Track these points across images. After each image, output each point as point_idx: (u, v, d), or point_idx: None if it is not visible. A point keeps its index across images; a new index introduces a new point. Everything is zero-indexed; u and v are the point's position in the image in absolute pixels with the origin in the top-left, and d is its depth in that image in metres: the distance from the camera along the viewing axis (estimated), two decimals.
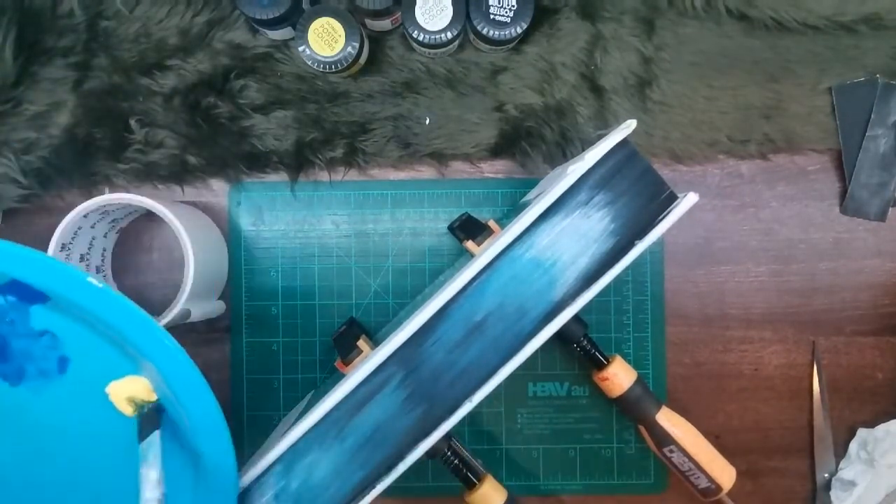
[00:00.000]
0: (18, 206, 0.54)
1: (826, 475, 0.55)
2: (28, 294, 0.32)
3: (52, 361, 0.34)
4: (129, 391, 0.33)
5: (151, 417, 0.33)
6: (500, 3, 0.50)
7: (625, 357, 0.52)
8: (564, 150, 0.55)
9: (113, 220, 0.54)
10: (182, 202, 0.56)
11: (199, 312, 0.51)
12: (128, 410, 0.33)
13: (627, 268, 0.39)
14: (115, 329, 0.30)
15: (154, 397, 0.32)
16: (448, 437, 0.46)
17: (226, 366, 0.57)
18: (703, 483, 0.50)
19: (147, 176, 0.55)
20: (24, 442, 0.34)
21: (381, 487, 0.39)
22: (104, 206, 0.49)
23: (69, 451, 0.34)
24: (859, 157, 0.55)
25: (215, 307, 0.55)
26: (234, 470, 0.31)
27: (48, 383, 0.34)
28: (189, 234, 0.49)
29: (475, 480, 0.48)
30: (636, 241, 0.38)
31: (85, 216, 0.50)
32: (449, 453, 0.47)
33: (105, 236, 0.54)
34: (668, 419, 0.51)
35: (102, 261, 0.55)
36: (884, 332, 0.56)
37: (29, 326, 0.34)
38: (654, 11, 0.54)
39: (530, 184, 0.56)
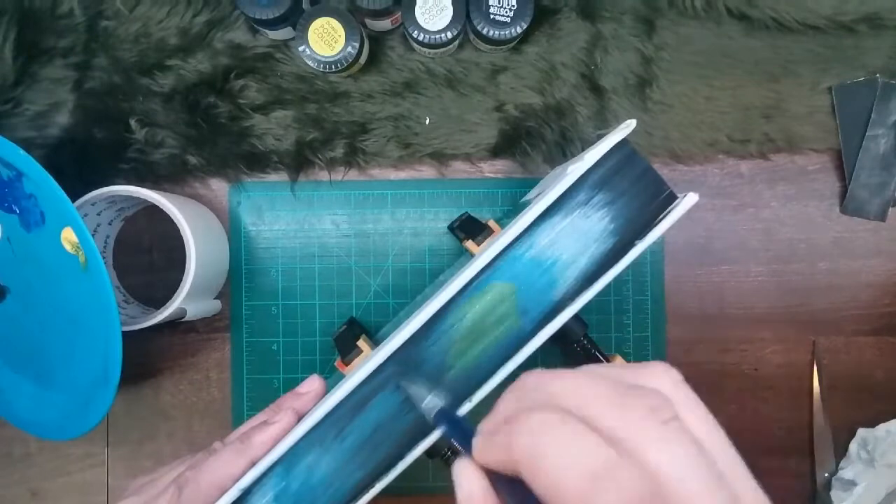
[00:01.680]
0: None
1: (826, 475, 0.55)
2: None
3: (36, 215, 0.47)
4: (67, 237, 0.46)
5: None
6: (500, 3, 0.50)
7: (625, 357, 0.52)
8: (564, 150, 0.55)
9: (120, 209, 0.54)
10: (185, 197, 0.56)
11: (195, 310, 0.52)
12: (69, 248, 0.46)
13: (627, 268, 0.39)
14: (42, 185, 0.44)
15: (76, 239, 0.45)
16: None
17: (226, 366, 0.57)
18: None
19: (147, 176, 0.55)
20: (34, 267, 0.49)
21: (380, 487, 0.39)
22: (111, 195, 0.50)
23: (52, 272, 0.48)
24: (859, 157, 0.55)
25: (212, 306, 0.55)
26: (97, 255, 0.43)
27: (39, 229, 0.47)
28: (191, 227, 0.50)
29: None
30: (636, 241, 0.38)
31: (92, 204, 0.51)
32: (449, 453, 0.47)
33: (110, 223, 0.56)
34: None
35: (105, 247, 0.56)
36: (884, 332, 0.56)
37: (23, 191, 0.47)
38: (654, 11, 0.54)
39: (530, 184, 0.56)
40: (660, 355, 0.56)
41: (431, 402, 0.37)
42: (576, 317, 0.39)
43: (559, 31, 0.54)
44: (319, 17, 0.50)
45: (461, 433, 0.31)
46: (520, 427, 0.25)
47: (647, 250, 0.40)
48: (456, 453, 0.47)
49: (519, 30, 0.50)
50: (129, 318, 0.51)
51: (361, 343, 0.47)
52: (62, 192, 0.43)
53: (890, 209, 0.55)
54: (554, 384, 0.26)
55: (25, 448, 0.57)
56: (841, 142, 0.55)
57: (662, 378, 0.26)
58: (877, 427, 0.54)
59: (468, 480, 0.27)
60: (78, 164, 0.54)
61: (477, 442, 0.27)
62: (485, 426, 0.28)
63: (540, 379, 0.27)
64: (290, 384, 0.55)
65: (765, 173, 0.56)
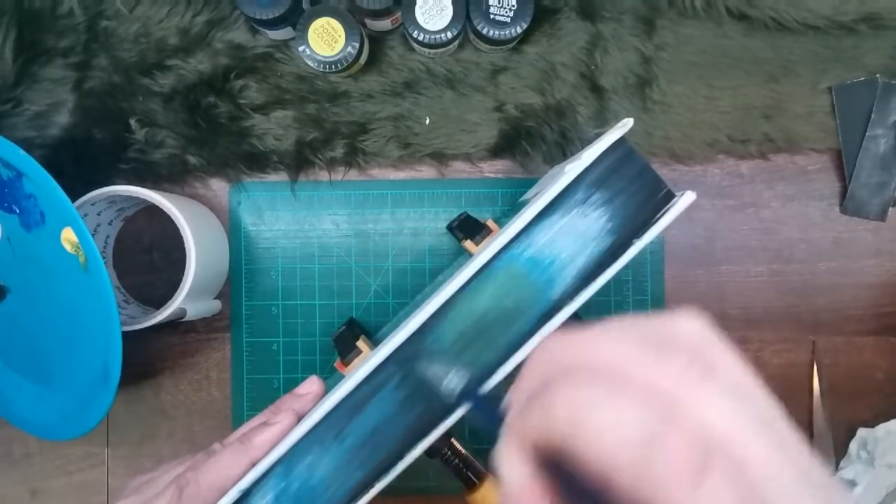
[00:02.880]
0: None
1: None
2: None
3: (36, 215, 0.47)
4: (67, 237, 0.46)
5: None
6: (500, 3, 0.50)
7: None
8: (564, 150, 0.55)
9: (120, 209, 0.55)
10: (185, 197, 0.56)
11: (195, 310, 0.52)
12: (69, 248, 0.47)
13: (627, 267, 0.39)
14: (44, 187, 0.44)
15: (76, 239, 0.46)
16: (448, 436, 0.46)
17: (226, 366, 0.57)
18: None
19: (147, 176, 0.55)
20: (34, 267, 0.49)
21: (380, 487, 0.39)
22: (111, 195, 0.50)
23: (52, 272, 0.48)
24: (859, 157, 0.55)
25: (212, 306, 0.55)
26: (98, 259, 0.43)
27: (39, 229, 0.48)
28: (191, 227, 0.50)
29: (475, 480, 0.48)
30: (634, 240, 0.38)
31: (92, 204, 0.51)
32: (449, 453, 0.47)
33: (110, 223, 0.56)
34: None
35: (105, 247, 0.56)
36: (884, 332, 0.56)
37: (23, 191, 0.47)
38: (654, 11, 0.54)
39: (530, 183, 0.56)
40: None
41: (452, 381, 0.36)
42: (575, 316, 0.39)
43: (559, 31, 0.54)
44: (319, 17, 0.50)
45: (489, 411, 0.29)
46: (556, 398, 0.23)
47: (646, 250, 0.40)
48: (456, 453, 0.47)
49: (519, 30, 0.50)
50: (129, 318, 0.51)
51: (361, 343, 0.47)
52: (62, 192, 0.43)
53: (890, 209, 0.55)
54: (584, 346, 0.24)
55: (25, 448, 0.57)
56: (841, 142, 0.55)
57: (692, 324, 0.24)
58: (877, 427, 0.54)
59: (510, 467, 0.25)
60: (78, 164, 0.54)
61: (510, 420, 0.25)
62: (514, 399, 0.26)
63: (568, 342, 0.25)
64: (290, 384, 0.55)
65: (765, 173, 0.56)
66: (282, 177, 0.57)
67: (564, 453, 0.22)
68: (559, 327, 0.34)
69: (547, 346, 0.25)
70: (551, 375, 0.24)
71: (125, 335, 0.44)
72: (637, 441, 0.21)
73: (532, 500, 0.24)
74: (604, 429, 0.21)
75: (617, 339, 0.24)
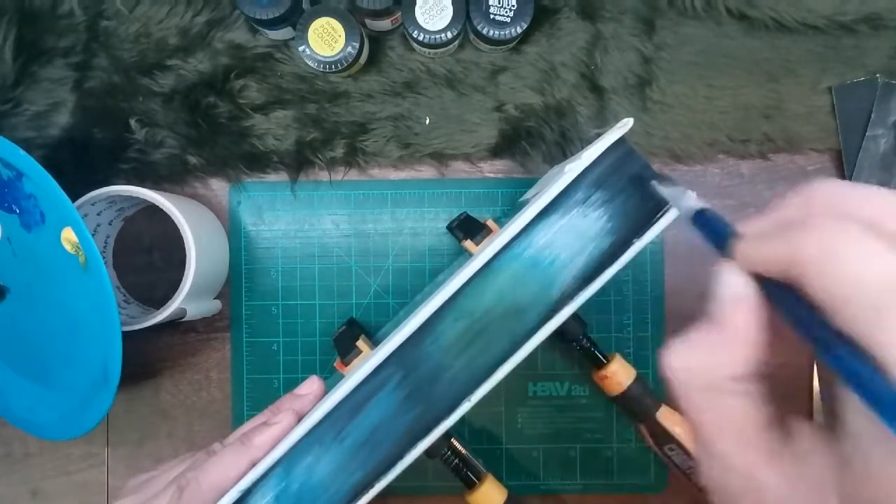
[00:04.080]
0: None
1: None
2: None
3: (36, 215, 0.47)
4: (67, 237, 0.47)
5: None
6: (500, 3, 0.50)
7: (625, 357, 0.52)
8: (564, 150, 0.55)
9: (120, 209, 0.55)
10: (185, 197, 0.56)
11: (195, 311, 0.52)
12: (69, 248, 0.47)
13: (627, 267, 0.39)
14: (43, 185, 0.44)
15: (76, 239, 0.46)
16: (448, 436, 0.46)
17: (226, 366, 0.57)
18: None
19: (147, 176, 0.55)
20: (34, 267, 0.49)
21: (380, 487, 0.39)
22: (111, 195, 0.50)
23: (52, 272, 0.48)
24: (859, 157, 0.55)
25: (212, 306, 0.55)
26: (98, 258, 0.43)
27: (39, 229, 0.48)
28: (191, 227, 0.50)
29: (475, 480, 0.48)
30: (634, 240, 0.38)
31: (92, 204, 0.51)
32: (449, 453, 0.47)
33: (110, 223, 0.56)
34: (668, 417, 0.50)
35: (105, 247, 0.56)
36: None
37: (23, 191, 0.47)
38: (654, 11, 0.54)
39: (530, 183, 0.56)
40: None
41: (690, 198, 0.34)
42: (575, 316, 0.40)
43: (559, 31, 0.54)
44: (319, 17, 0.50)
45: (717, 231, 0.28)
46: (811, 230, 0.21)
47: (646, 250, 0.40)
48: (456, 453, 0.47)
49: (519, 30, 0.50)
50: (129, 318, 0.51)
51: (360, 343, 0.47)
52: (62, 192, 0.43)
53: None
54: (853, 194, 0.22)
55: (25, 448, 0.57)
56: (841, 142, 0.55)
57: None
58: None
59: (734, 280, 0.24)
60: (78, 164, 0.54)
61: (744, 240, 0.24)
62: (752, 227, 0.25)
63: (835, 188, 0.23)
64: (290, 384, 0.55)
65: (765, 173, 0.56)
66: (282, 177, 0.57)
67: (798, 280, 0.21)
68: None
69: (815, 188, 0.24)
70: (812, 213, 0.23)
71: (125, 335, 0.44)
72: (887, 287, 0.19)
73: (744, 316, 0.24)
74: (857, 268, 0.20)
75: (891, 198, 0.22)
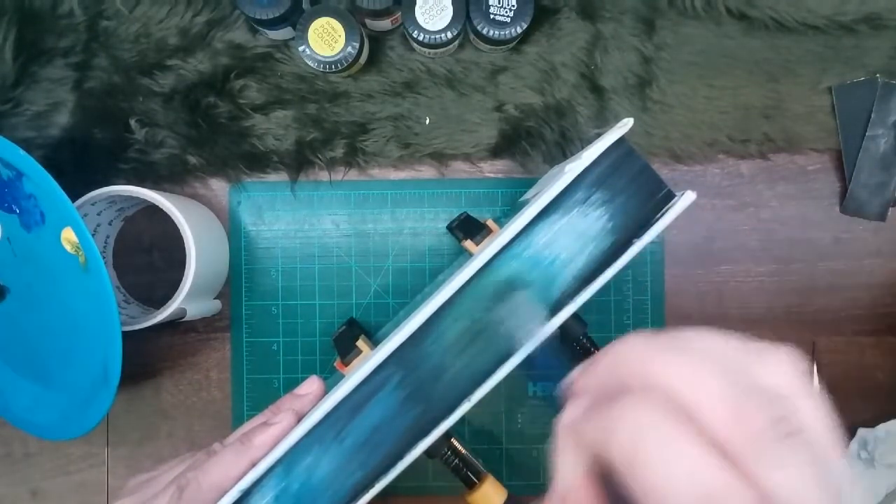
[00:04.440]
0: None
1: None
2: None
3: (36, 215, 0.47)
4: (67, 237, 0.47)
5: None
6: (500, 3, 0.50)
7: None
8: (564, 150, 0.55)
9: (120, 209, 0.55)
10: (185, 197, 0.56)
11: (195, 310, 0.52)
12: (69, 248, 0.47)
13: (627, 267, 0.39)
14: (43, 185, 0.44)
15: (76, 239, 0.46)
16: (448, 436, 0.46)
17: (226, 366, 0.57)
18: None
19: (147, 176, 0.55)
20: (34, 267, 0.49)
21: (380, 487, 0.39)
22: (111, 195, 0.50)
23: (52, 272, 0.49)
24: (859, 157, 0.55)
25: (212, 306, 0.55)
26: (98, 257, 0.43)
27: (39, 229, 0.48)
28: (191, 227, 0.50)
29: (475, 480, 0.48)
30: (634, 240, 0.38)
31: (92, 204, 0.51)
32: (449, 453, 0.47)
33: (110, 223, 0.56)
34: None
35: (105, 247, 0.56)
36: (884, 332, 0.56)
37: (23, 191, 0.47)
38: (654, 11, 0.54)
39: (530, 183, 0.56)
40: None
41: (532, 332, 0.35)
42: (575, 316, 0.39)
43: (559, 31, 0.54)
44: (319, 17, 0.50)
45: (553, 374, 0.29)
46: (623, 417, 0.22)
47: (646, 250, 0.40)
48: (456, 453, 0.47)
49: (519, 30, 0.50)
50: (129, 318, 0.51)
51: (360, 343, 0.47)
52: (62, 192, 0.43)
53: (890, 209, 0.55)
54: (662, 366, 0.23)
55: (25, 448, 0.57)
56: (841, 142, 0.55)
57: (787, 371, 0.23)
58: (877, 427, 0.54)
59: (564, 464, 0.24)
60: (78, 164, 0.54)
61: (571, 416, 0.24)
62: (580, 386, 0.25)
63: (646, 354, 0.23)
64: (290, 384, 0.55)
65: (765, 173, 0.56)
66: (282, 177, 0.57)
67: (616, 472, 0.22)
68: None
69: (627, 348, 0.24)
70: (626, 381, 0.23)
71: (125, 335, 0.44)
72: (699, 494, 0.20)
73: (580, 501, 0.24)
74: (666, 476, 0.20)
75: (701, 374, 0.22)
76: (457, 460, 0.47)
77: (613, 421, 0.22)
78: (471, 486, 0.48)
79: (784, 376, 0.23)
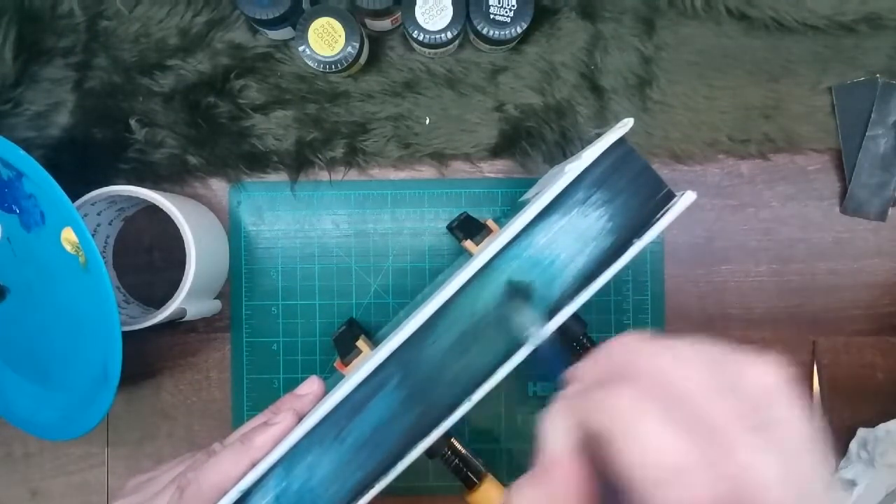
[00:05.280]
0: None
1: None
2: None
3: (36, 215, 0.47)
4: (67, 237, 0.47)
5: None
6: (500, 3, 0.50)
7: None
8: (564, 150, 0.55)
9: (120, 209, 0.55)
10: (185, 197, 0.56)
11: (195, 310, 0.52)
12: (69, 248, 0.47)
13: (627, 267, 0.39)
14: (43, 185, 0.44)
15: (76, 239, 0.46)
16: (448, 436, 0.46)
17: (226, 366, 0.57)
18: None
19: (147, 176, 0.55)
20: (34, 267, 0.49)
21: (380, 487, 0.39)
22: (111, 195, 0.50)
23: (52, 272, 0.49)
24: (859, 157, 0.55)
25: (212, 306, 0.55)
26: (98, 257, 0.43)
27: (39, 229, 0.48)
28: (191, 227, 0.50)
29: (475, 480, 0.48)
30: (634, 240, 0.38)
31: (92, 204, 0.51)
32: (449, 453, 0.47)
33: (110, 223, 0.56)
34: None
35: (105, 247, 0.56)
36: (884, 332, 0.56)
37: (23, 191, 0.47)
38: (654, 11, 0.54)
39: (530, 183, 0.56)
40: None
41: (532, 332, 0.36)
42: (575, 316, 0.39)
43: (559, 31, 0.54)
44: (319, 17, 0.50)
45: (553, 368, 0.31)
46: (613, 394, 0.24)
47: (646, 250, 0.40)
48: (456, 453, 0.47)
49: (519, 30, 0.50)
50: (129, 318, 0.51)
51: (360, 343, 0.47)
52: (62, 192, 0.43)
53: (890, 209, 0.55)
54: (653, 358, 0.25)
55: (25, 448, 0.57)
56: (841, 142, 0.55)
57: (766, 376, 0.25)
58: (877, 427, 0.54)
59: (554, 432, 0.26)
60: (78, 164, 0.54)
61: (568, 392, 0.26)
62: (580, 373, 0.27)
63: (638, 346, 0.26)
64: (290, 384, 0.55)
65: (765, 173, 0.56)
66: (282, 177, 0.57)
67: (600, 445, 0.23)
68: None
69: (619, 343, 0.26)
70: (619, 370, 0.25)
71: (125, 335, 0.44)
72: (670, 468, 0.21)
73: (565, 472, 0.25)
74: (643, 447, 0.22)
75: (689, 366, 0.24)
76: (457, 460, 0.47)
77: (603, 398, 0.24)
78: (471, 485, 0.48)
79: (768, 378, 0.24)
